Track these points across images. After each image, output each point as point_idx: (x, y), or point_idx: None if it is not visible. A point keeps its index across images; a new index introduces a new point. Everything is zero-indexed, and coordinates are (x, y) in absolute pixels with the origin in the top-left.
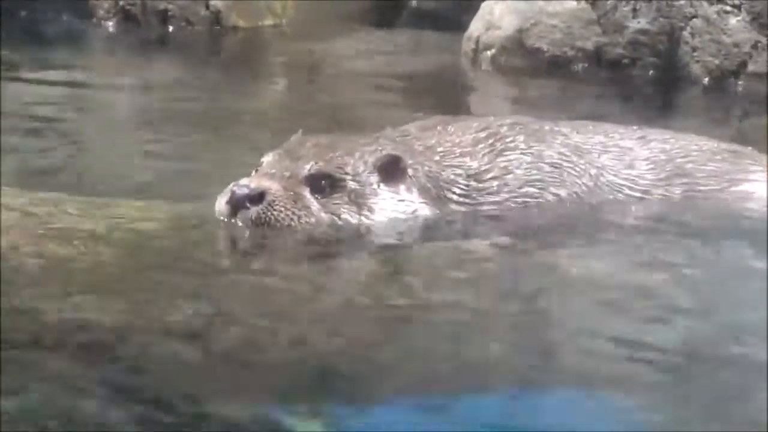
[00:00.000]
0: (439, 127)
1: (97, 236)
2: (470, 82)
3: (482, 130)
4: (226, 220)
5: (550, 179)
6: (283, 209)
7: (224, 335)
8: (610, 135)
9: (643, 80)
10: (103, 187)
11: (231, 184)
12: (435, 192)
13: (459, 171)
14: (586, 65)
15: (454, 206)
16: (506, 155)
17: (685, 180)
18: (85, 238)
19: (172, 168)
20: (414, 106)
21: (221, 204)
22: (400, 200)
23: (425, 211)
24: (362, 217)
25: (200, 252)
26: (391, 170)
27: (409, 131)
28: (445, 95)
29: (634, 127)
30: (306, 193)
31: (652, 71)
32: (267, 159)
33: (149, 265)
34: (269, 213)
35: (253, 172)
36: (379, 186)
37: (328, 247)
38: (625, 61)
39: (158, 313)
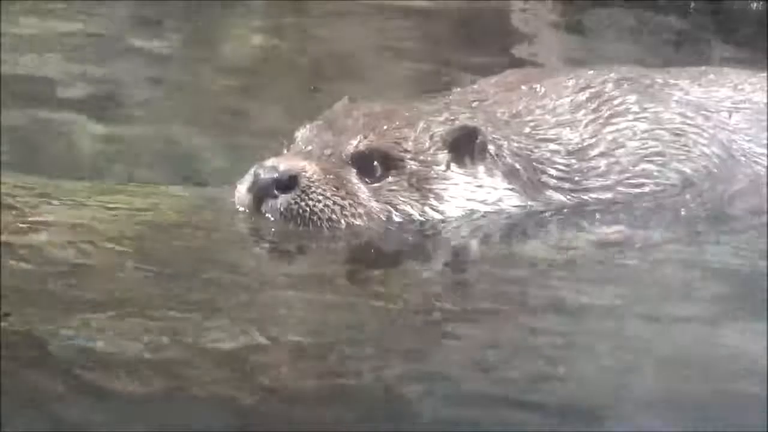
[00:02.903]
0: (524, 87)
1: (94, 232)
2: (521, 16)
3: (582, 90)
4: (248, 212)
5: (673, 151)
6: (321, 197)
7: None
8: (739, 87)
9: (746, 14)
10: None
11: (254, 166)
12: (526, 175)
13: (556, 147)
14: None
15: (550, 193)
16: (615, 123)
17: None
18: (80, 235)
19: (178, 137)
20: (454, 53)
21: (242, 192)
22: (477, 186)
23: (512, 200)
24: (427, 208)
25: (214, 253)
26: (467, 147)
27: (486, 93)
28: (489, 35)
29: None
30: (352, 176)
31: (756, 3)
32: (302, 133)
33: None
34: (304, 202)
35: (285, 151)
36: (449, 167)
37: (381, 248)
38: None
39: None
